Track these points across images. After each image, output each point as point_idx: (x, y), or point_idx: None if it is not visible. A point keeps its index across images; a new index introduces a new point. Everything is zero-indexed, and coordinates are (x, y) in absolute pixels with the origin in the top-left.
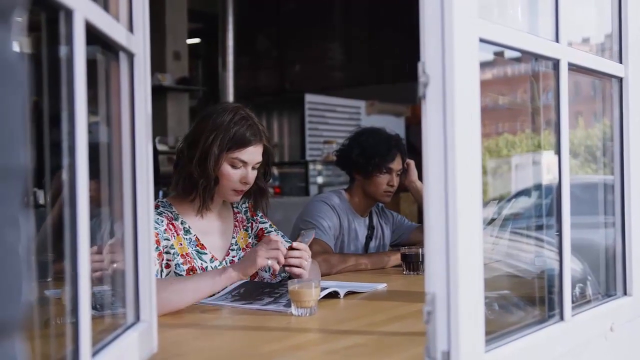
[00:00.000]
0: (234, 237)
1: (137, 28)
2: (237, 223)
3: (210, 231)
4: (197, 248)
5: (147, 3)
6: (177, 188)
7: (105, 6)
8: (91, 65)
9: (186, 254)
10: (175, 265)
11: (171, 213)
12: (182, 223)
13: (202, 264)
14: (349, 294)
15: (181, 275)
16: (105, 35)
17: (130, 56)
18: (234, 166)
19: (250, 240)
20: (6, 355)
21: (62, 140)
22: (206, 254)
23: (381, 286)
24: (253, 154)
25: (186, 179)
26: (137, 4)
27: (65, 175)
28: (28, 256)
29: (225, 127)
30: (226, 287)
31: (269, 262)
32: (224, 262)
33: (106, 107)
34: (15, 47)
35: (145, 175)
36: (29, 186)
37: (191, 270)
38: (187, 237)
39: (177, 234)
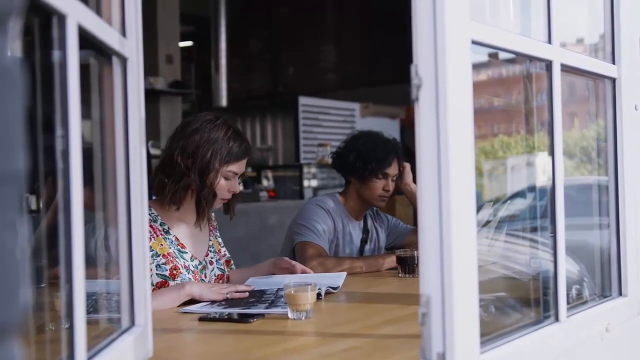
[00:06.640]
0: (210, 240)
1: (130, 32)
2: (211, 228)
3: (188, 234)
4: (179, 247)
5: (140, 7)
6: (173, 198)
7: (98, 10)
8: (83, 69)
9: (167, 253)
10: (157, 266)
11: (150, 215)
12: (161, 225)
13: (184, 262)
14: (329, 293)
15: (164, 275)
16: (98, 40)
17: (124, 61)
18: (226, 178)
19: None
20: (5, 357)
21: (55, 145)
22: (187, 252)
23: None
24: (243, 165)
25: (182, 190)
26: (130, 8)
27: (59, 180)
28: (25, 260)
29: (221, 142)
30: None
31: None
32: (203, 262)
33: (99, 112)
34: (12, 53)
35: (139, 180)
36: (25, 191)
37: (174, 269)
38: (168, 237)
39: (157, 235)
